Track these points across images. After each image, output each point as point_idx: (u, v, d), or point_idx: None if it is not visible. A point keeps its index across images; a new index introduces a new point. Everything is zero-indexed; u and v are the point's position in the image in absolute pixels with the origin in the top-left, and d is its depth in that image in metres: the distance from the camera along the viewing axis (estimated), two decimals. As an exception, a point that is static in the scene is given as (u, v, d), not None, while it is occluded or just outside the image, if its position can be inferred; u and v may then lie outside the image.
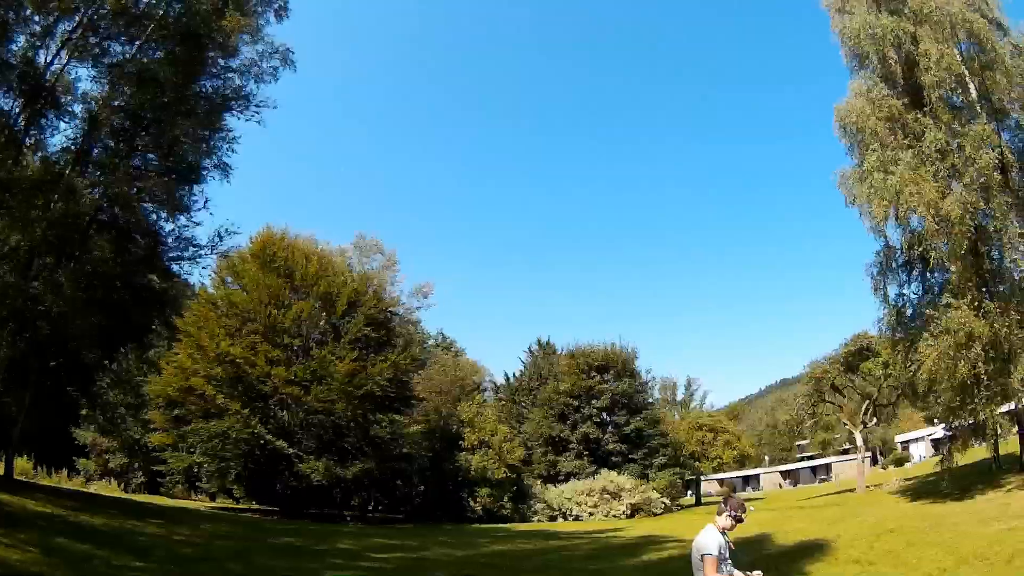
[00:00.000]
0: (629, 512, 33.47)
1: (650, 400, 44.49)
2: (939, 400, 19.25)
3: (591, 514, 33.06)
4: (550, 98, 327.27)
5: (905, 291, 22.28)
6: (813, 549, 14.18)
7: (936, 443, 44.67)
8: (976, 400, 17.03)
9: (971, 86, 19.38)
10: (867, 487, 32.56)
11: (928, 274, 21.41)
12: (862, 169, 20.62)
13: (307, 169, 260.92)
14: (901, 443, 65.93)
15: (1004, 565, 9.82)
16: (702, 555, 5.13)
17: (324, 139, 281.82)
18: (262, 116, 19.28)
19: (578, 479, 35.49)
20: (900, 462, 57.19)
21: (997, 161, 18.23)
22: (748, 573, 5.36)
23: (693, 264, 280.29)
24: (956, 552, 11.04)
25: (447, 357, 43.72)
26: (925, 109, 19.43)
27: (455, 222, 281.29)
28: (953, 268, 19.02)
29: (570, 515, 33.14)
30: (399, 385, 28.91)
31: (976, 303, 17.78)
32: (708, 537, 5.23)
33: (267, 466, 25.99)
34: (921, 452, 57.60)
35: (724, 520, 5.32)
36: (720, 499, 5.90)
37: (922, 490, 22.67)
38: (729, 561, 5.28)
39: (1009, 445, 20.35)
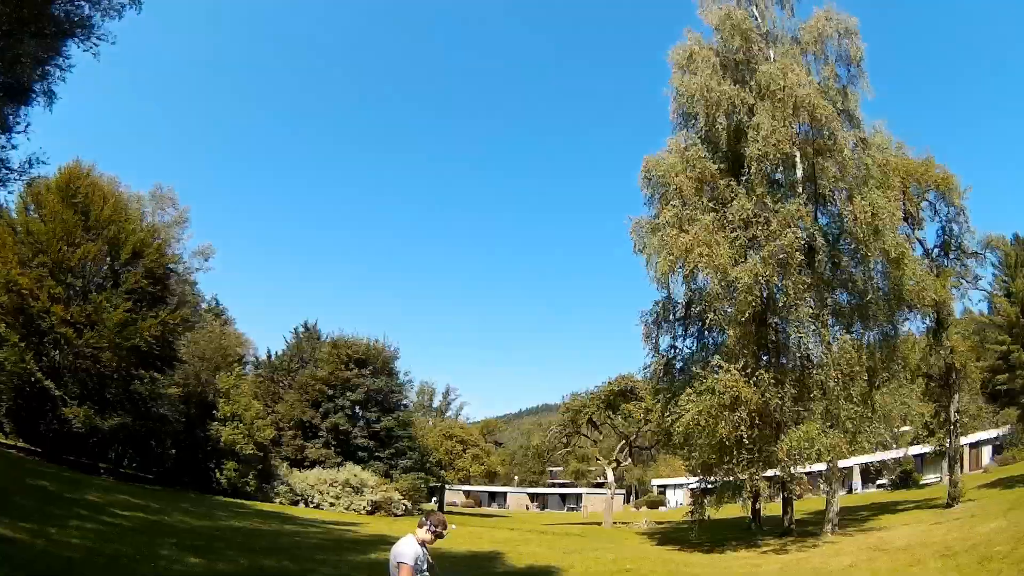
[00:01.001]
0: (370, 509, 33.27)
1: (405, 402, 44.76)
2: (693, 454, 19.97)
3: (332, 504, 32.69)
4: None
5: (678, 344, 23.23)
6: (541, 576, 13.23)
7: (694, 493, 48.87)
8: (735, 461, 17.68)
9: (799, 167, 20.48)
10: (615, 523, 33.97)
11: (705, 332, 22.44)
12: (657, 221, 20.85)
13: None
14: (658, 486, 68.62)
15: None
16: (398, 562, 5.34)
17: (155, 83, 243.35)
18: (100, 50, 18.20)
19: (323, 468, 35.13)
20: (655, 504, 61.07)
21: (804, 242, 19.19)
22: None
23: (478, 277, 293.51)
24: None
25: (215, 324, 41.48)
26: (742, 179, 20.13)
27: (252, 184, 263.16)
28: (731, 332, 19.85)
29: (311, 502, 32.66)
30: (165, 344, 28.89)
31: (749, 369, 18.52)
32: (406, 546, 5.46)
33: (35, 404, 25.68)
34: (679, 498, 59.94)
35: (424, 533, 5.55)
36: (429, 515, 5.88)
37: (672, 536, 23.55)
38: (425, 573, 5.53)
39: (773, 508, 21.74)
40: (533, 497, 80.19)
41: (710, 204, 20.39)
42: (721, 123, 20.96)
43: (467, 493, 72.23)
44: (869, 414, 18.69)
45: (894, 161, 21.60)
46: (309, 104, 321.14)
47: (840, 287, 20.87)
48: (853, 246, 19.87)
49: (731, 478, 18.59)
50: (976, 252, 23.14)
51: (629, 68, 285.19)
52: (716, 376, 18.44)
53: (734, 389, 17.61)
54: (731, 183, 20.50)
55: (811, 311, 18.98)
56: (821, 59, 21.98)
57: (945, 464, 22.94)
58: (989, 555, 11.00)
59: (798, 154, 20.30)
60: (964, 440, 32.33)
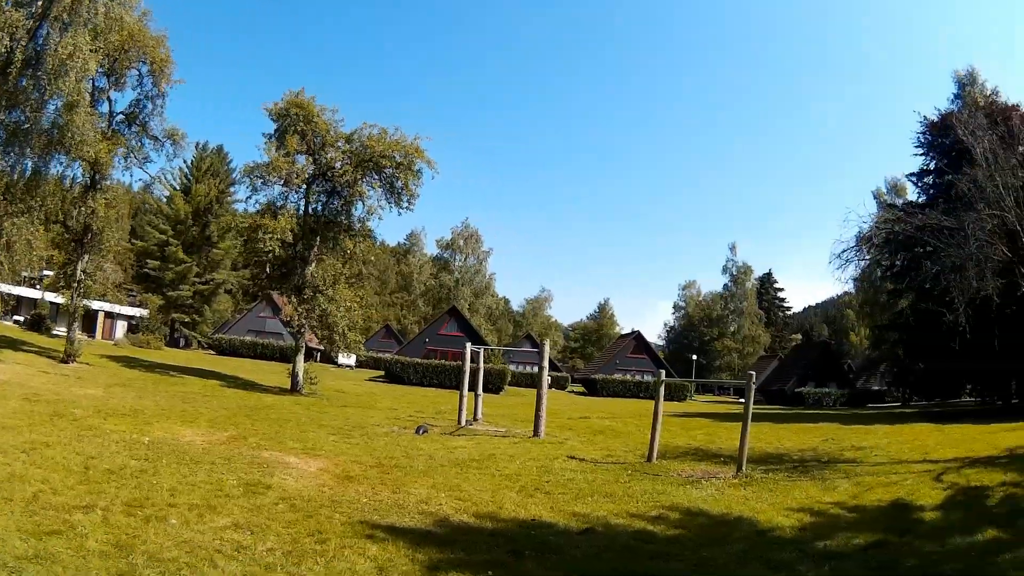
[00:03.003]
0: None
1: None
2: None
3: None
4: None
5: None
6: None
7: None
8: None
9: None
10: None
11: None
12: None
13: None
14: None
15: None
16: None
17: None
18: None
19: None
20: None
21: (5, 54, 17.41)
22: None
23: None
24: None
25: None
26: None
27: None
28: None
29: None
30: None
31: None
32: None
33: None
34: None
35: None
36: None
37: None
38: None
39: None
40: None
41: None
42: None
43: None
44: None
45: (129, 22, 21.48)
46: None
47: (17, 107, 18.68)
48: (43, 74, 18.20)
49: None
50: (156, 137, 24.18)
51: None
52: None
53: None
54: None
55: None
56: None
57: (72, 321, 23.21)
58: (63, 413, 11.38)
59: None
60: (97, 305, 33.81)
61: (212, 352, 48.70)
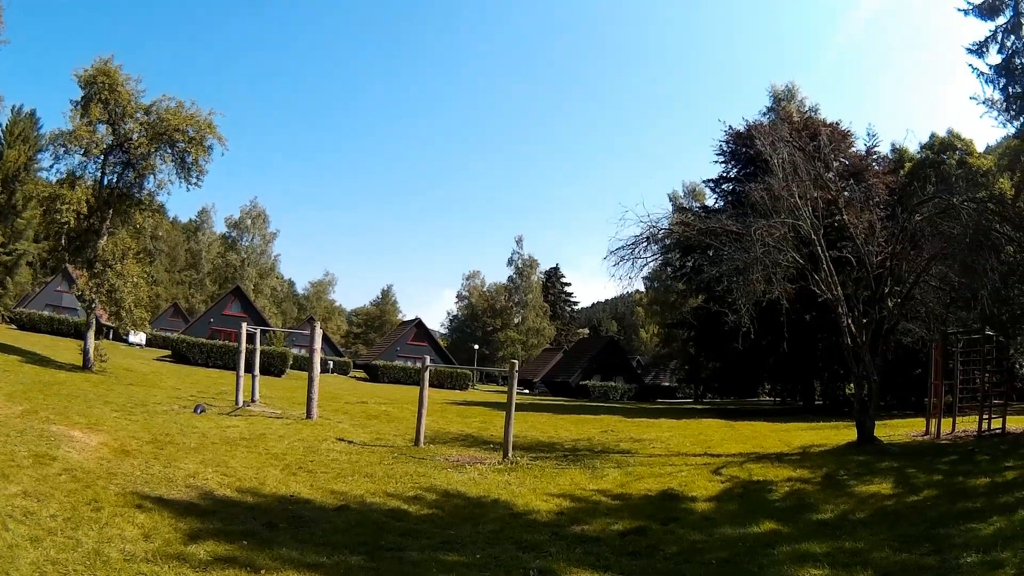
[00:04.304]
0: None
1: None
2: None
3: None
4: None
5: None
6: None
7: None
8: None
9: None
10: None
11: None
12: None
13: None
14: None
15: None
16: None
17: None
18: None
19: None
20: None
21: None
22: None
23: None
24: None
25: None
26: None
27: None
28: None
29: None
30: None
31: None
32: None
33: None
34: None
35: None
36: None
37: None
38: None
39: None
40: None
41: None
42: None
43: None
44: None
45: None
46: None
47: None
48: None
49: None
50: None
51: None
52: None
53: None
54: None
55: None
56: None
57: None
58: None
59: None
60: None
61: (14, 327, 42.93)
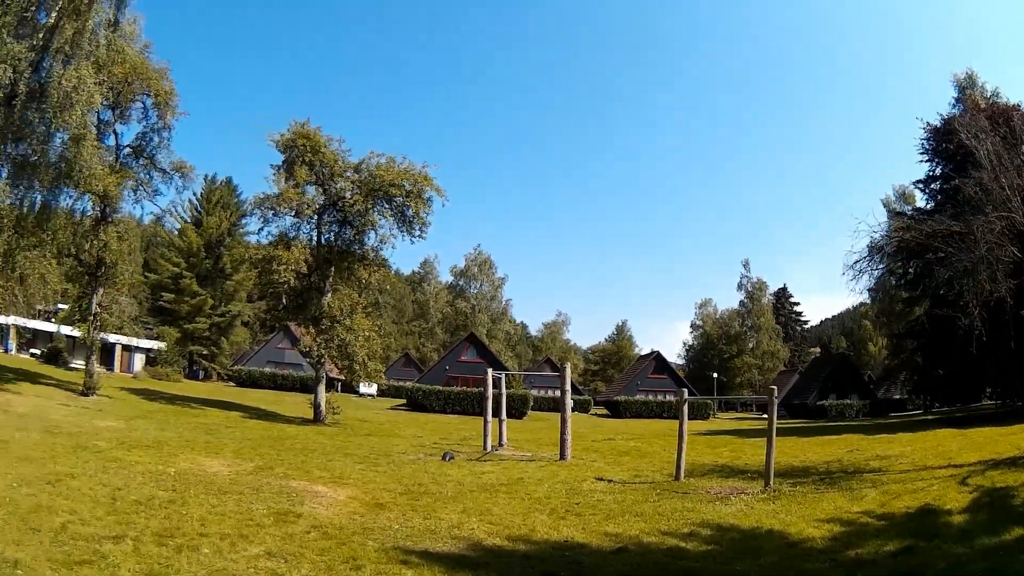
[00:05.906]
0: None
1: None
2: None
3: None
4: None
5: None
6: None
7: None
8: None
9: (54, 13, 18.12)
10: None
11: None
12: None
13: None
14: None
15: None
16: None
17: None
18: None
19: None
20: None
21: (10, 85, 17.17)
22: None
23: None
24: None
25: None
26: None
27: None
28: None
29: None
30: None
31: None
32: None
33: None
34: None
35: None
36: None
37: None
38: None
39: None
40: None
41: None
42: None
43: None
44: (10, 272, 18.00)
45: (131, 54, 21.93)
46: None
47: (24, 140, 18.94)
48: (48, 107, 18.46)
49: None
50: (164, 170, 24.13)
51: None
52: None
53: None
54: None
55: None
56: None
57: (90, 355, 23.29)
58: (86, 445, 11.35)
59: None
60: (114, 339, 34.11)
61: (232, 384, 48.89)
